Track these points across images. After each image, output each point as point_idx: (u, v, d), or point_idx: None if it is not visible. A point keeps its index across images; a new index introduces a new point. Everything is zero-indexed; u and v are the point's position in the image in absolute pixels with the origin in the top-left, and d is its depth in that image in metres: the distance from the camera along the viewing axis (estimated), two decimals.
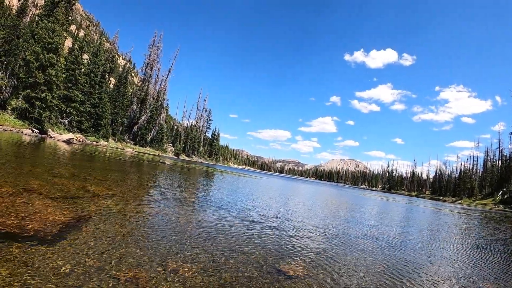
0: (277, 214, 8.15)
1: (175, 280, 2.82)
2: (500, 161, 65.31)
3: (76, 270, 2.63)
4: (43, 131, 27.41)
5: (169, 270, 3.02)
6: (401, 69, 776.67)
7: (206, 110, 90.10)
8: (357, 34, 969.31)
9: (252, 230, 5.47)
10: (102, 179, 8.75)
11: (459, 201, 62.27)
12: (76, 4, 37.16)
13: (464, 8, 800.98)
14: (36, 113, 26.79)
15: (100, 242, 3.39)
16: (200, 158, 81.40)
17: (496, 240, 9.83)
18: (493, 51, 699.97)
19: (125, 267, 2.89)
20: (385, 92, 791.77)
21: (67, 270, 2.59)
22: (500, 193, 53.64)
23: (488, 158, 71.75)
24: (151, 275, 2.82)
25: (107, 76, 43.81)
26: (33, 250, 2.87)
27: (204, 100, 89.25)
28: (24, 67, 27.71)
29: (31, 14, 38.93)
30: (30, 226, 3.46)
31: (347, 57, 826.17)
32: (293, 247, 4.77)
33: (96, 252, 3.09)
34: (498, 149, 66.09)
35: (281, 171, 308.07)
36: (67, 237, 3.35)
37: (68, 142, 27.62)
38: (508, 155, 60.44)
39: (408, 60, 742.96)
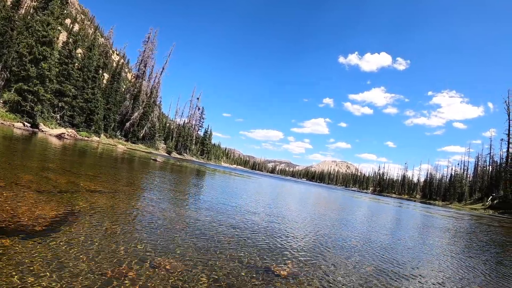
0: (268, 214, 8.30)
1: (164, 278, 2.85)
2: (490, 166, 65.94)
3: (63, 265, 2.65)
4: (34, 125, 27.30)
5: (157, 267, 3.05)
6: (394, 73, 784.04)
7: (199, 109, 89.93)
8: (352, 37, 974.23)
9: (243, 229, 5.60)
10: (92, 175, 8.88)
11: (449, 205, 63.20)
12: None
13: (459, 14, 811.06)
14: (28, 107, 26.67)
15: (88, 238, 3.43)
16: (192, 157, 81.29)
17: (491, 242, 10.37)
18: (487, 58, 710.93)
19: (113, 263, 2.92)
20: (378, 96, 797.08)
21: (55, 266, 2.61)
22: (489, 199, 54.41)
23: (479, 163, 72.29)
24: (139, 272, 2.86)
25: (100, 71, 43.55)
26: (21, 244, 2.90)
27: (198, 98, 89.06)
28: (17, 60, 27.56)
29: (26, 6, 38.60)
30: (18, 220, 3.50)
31: (341, 59, 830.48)
32: (283, 247, 4.87)
33: (84, 248, 3.12)
34: (489, 155, 66.59)
35: (272, 171, 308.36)
36: (55, 232, 3.38)
37: (59, 137, 27.58)
38: (498, 161, 61.19)
39: (402, 64, 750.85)
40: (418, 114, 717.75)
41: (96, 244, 3.33)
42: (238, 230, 5.47)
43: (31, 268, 2.52)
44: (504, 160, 56.18)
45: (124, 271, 2.82)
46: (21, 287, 2.24)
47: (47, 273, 2.49)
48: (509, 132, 52.87)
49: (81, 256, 2.93)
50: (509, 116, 52.83)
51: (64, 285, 2.37)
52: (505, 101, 53.47)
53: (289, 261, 4.13)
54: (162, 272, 2.97)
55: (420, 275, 4.67)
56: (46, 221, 3.69)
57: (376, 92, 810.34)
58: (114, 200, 5.86)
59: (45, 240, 3.13)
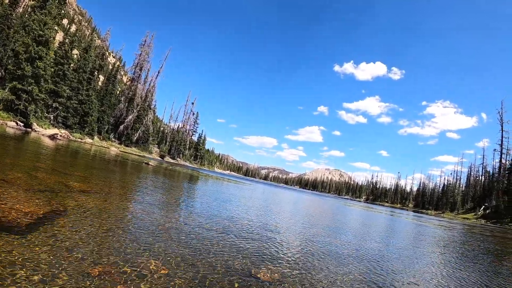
0: (260, 221, 8.23)
1: (147, 279, 2.84)
2: (483, 176, 66.61)
3: (47, 264, 2.63)
4: (27, 125, 26.99)
5: (141, 269, 3.03)
6: (389, 83, 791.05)
7: (193, 113, 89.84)
8: (348, 46, 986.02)
9: (233, 236, 5.49)
10: (83, 176, 8.75)
11: (442, 215, 63.65)
12: None
13: (454, 25, 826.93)
14: (21, 106, 26.40)
15: (74, 237, 3.41)
16: (185, 161, 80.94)
17: (485, 252, 10.48)
18: (481, 69, 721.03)
19: (97, 263, 2.91)
20: (372, 105, 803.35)
21: (39, 264, 2.60)
22: (482, 208, 54.95)
23: (472, 173, 72.93)
24: (123, 273, 2.85)
25: (96, 73, 43.41)
26: (5, 242, 2.87)
27: (192, 103, 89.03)
28: (13, 58, 27.37)
29: (24, 5, 38.46)
30: (5, 218, 3.48)
31: (336, 68, 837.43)
32: (271, 255, 4.80)
33: (69, 247, 3.11)
34: (481, 165, 67.23)
35: (265, 178, 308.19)
36: (41, 231, 3.37)
37: (52, 137, 27.30)
38: (491, 171, 61.86)
39: (396, 74, 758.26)
40: (412, 123, 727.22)
41: (81, 243, 3.31)
42: (228, 236, 5.37)
43: (12, 266, 2.49)
44: (497, 170, 56.96)
45: (108, 271, 2.80)
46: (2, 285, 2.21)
47: (29, 271, 2.47)
48: (502, 142, 53.77)
49: (65, 255, 2.91)
50: (502, 126, 53.83)
51: (46, 283, 2.35)
52: (499, 112, 54.55)
53: (279, 270, 4.08)
54: (147, 274, 2.96)
55: (416, 284, 4.68)
56: (32, 219, 3.67)
57: (370, 101, 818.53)
58: (102, 201, 5.76)
59: (30, 238, 3.10)
